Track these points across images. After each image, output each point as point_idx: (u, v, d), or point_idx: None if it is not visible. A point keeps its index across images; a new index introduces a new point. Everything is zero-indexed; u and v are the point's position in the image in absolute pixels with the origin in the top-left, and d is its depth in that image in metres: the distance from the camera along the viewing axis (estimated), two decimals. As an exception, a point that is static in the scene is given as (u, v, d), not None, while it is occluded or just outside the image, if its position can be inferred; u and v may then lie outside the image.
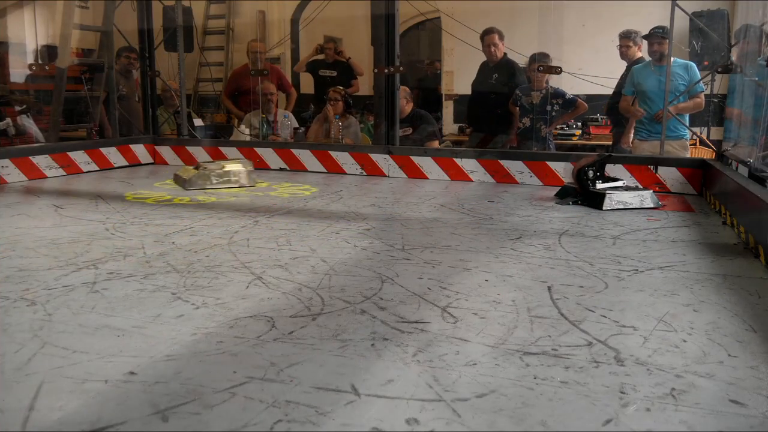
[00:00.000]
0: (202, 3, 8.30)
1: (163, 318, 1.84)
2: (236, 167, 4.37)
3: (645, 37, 5.02)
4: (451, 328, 1.76)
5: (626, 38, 5.27)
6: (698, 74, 4.72)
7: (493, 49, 5.34)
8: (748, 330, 1.76)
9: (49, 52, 6.30)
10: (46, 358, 1.56)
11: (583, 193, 3.73)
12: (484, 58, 5.58)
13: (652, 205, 3.63)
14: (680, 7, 4.16)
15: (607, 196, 3.59)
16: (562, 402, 1.34)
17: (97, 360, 1.55)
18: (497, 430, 1.24)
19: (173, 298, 2.02)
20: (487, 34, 5.39)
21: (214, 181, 4.25)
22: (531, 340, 1.67)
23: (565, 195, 3.87)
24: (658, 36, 4.77)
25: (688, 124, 4.79)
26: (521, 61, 5.54)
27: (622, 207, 3.58)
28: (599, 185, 3.74)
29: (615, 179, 3.91)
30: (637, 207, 3.60)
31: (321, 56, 6.85)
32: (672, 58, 4.73)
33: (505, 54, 5.42)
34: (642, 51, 5.24)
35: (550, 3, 5.80)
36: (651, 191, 3.75)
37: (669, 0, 4.12)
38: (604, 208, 3.54)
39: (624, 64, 5.39)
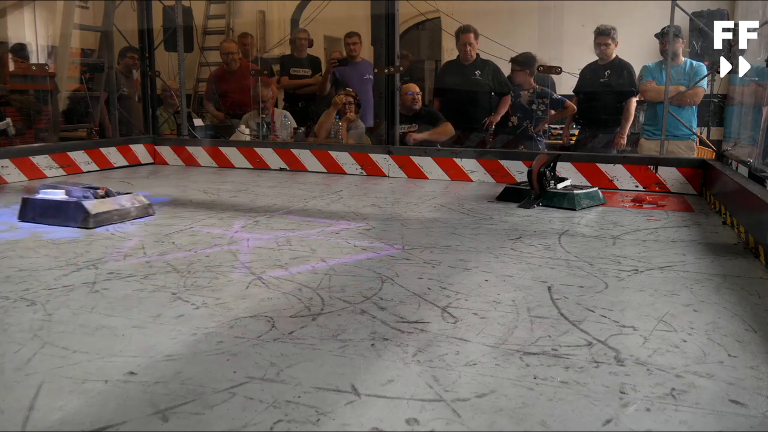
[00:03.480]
0: (202, 3, 8.29)
1: (163, 318, 1.84)
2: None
3: (658, 36, 4.99)
4: (451, 328, 1.76)
5: (605, 35, 4.98)
6: (703, 73, 4.71)
7: (468, 47, 5.30)
8: (748, 330, 1.76)
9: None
10: (46, 358, 1.56)
11: (543, 194, 3.68)
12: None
13: (601, 202, 3.71)
14: (680, 7, 4.16)
15: (577, 196, 3.60)
16: (562, 402, 1.34)
17: (97, 360, 1.55)
18: (497, 430, 1.24)
19: (173, 298, 2.02)
20: (463, 33, 5.34)
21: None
22: (531, 340, 1.67)
23: (509, 197, 3.80)
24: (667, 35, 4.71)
25: (693, 125, 4.77)
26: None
27: (587, 206, 3.61)
28: (560, 185, 3.75)
29: (563, 178, 3.91)
30: (593, 205, 3.65)
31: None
32: (684, 59, 4.72)
33: (478, 54, 5.39)
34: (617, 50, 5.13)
35: (550, 3, 5.80)
36: (597, 188, 3.81)
37: (669, 0, 4.12)
38: (577, 208, 3.54)
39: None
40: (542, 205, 3.65)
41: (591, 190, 3.76)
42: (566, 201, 3.61)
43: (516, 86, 5.43)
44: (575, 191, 3.65)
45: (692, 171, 4.16)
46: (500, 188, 4.37)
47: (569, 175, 4.43)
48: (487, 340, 1.67)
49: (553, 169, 3.80)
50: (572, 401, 1.34)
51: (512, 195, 3.82)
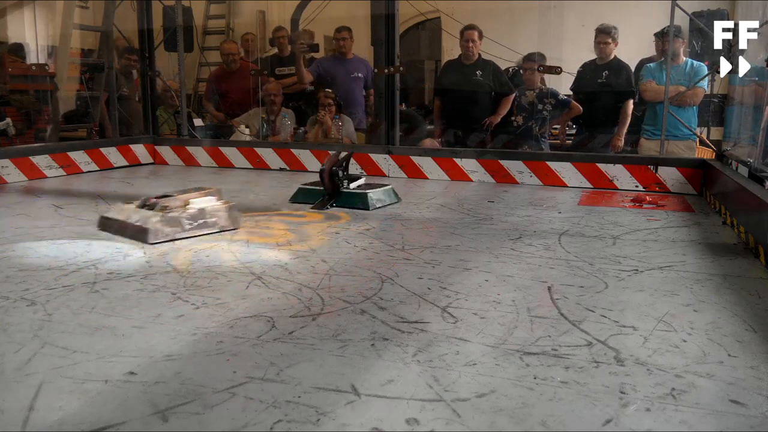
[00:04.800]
0: (202, 3, 8.28)
1: (163, 318, 1.84)
2: (210, 203, 3.01)
3: (659, 35, 4.98)
4: (451, 328, 1.76)
5: (605, 33, 4.95)
6: (703, 73, 4.70)
7: (470, 44, 5.29)
8: (748, 330, 1.76)
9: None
10: (46, 358, 1.56)
11: (337, 194, 3.63)
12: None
13: (395, 201, 3.75)
14: (680, 7, 4.16)
15: (370, 195, 3.58)
16: (562, 402, 1.34)
17: (97, 360, 1.55)
18: (497, 430, 1.24)
19: (173, 298, 2.02)
20: (467, 29, 5.33)
21: (187, 226, 2.86)
22: (531, 340, 1.67)
23: (303, 199, 3.73)
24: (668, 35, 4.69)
25: (693, 125, 4.77)
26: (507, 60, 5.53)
27: (381, 205, 3.60)
28: (352, 185, 3.71)
29: (357, 177, 3.87)
30: (389, 203, 3.66)
31: (274, 50, 6.46)
32: (685, 59, 4.71)
33: (479, 55, 5.38)
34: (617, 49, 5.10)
35: (550, 2, 5.80)
36: (391, 186, 3.81)
37: (669, 0, 4.12)
38: (371, 208, 3.52)
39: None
40: (336, 206, 3.59)
41: (385, 188, 3.75)
42: (359, 201, 3.57)
43: (519, 85, 5.42)
44: (368, 191, 3.63)
45: (692, 171, 4.16)
46: (500, 189, 4.38)
47: (569, 176, 4.44)
48: (487, 340, 1.67)
49: (346, 168, 3.75)
50: (572, 401, 1.34)
51: (306, 196, 3.75)
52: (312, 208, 3.58)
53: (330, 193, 3.63)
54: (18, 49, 6.01)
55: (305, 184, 3.83)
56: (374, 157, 5.00)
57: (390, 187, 3.80)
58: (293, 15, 7.41)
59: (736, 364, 1.53)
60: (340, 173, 3.65)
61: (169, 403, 1.33)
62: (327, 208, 3.56)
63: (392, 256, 2.54)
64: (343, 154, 3.78)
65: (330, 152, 3.87)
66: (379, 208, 3.56)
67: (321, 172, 3.62)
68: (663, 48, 4.83)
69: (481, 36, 5.31)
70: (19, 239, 2.83)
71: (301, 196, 3.77)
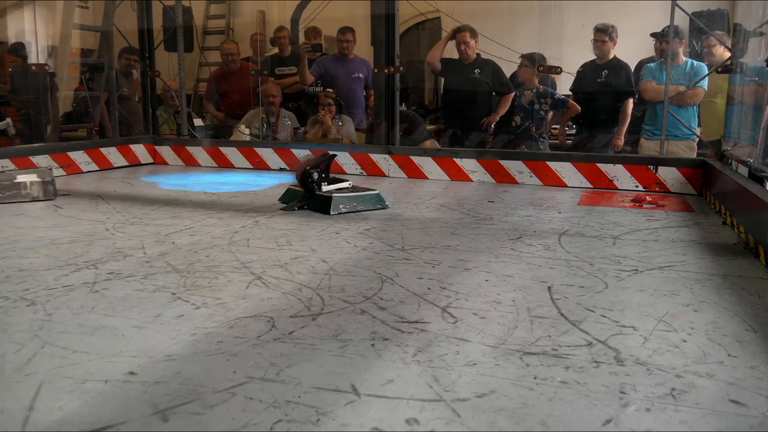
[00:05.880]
0: (202, 3, 8.29)
1: (163, 318, 1.84)
2: (27, 178, 3.88)
3: (656, 35, 4.98)
4: (451, 328, 1.76)
5: (602, 32, 4.97)
6: (703, 73, 4.70)
7: (463, 47, 5.28)
8: (748, 330, 1.76)
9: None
10: (46, 358, 1.56)
11: (309, 197, 3.54)
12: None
13: (377, 207, 3.56)
14: (680, 7, 4.16)
15: (334, 199, 3.43)
16: (562, 402, 1.34)
17: (97, 360, 1.55)
18: (497, 430, 1.24)
19: (173, 298, 2.02)
20: (458, 33, 5.33)
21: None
22: (531, 340, 1.67)
23: (290, 199, 3.66)
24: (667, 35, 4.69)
25: (693, 125, 4.76)
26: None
27: (348, 210, 3.45)
28: (325, 187, 3.56)
29: (341, 180, 3.73)
30: (363, 210, 3.49)
31: (275, 50, 6.46)
32: (685, 59, 4.71)
33: (478, 54, 5.38)
34: (615, 48, 5.10)
35: (550, 2, 5.80)
36: (377, 192, 3.64)
37: (669, 0, 4.12)
38: (331, 212, 3.39)
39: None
40: (306, 209, 3.50)
41: (365, 193, 3.59)
42: (323, 204, 3.45)
43: (520, 85, 5.42)
44: (336, 194, 3.48)
45: (692, 171, 4.16)
46: (500, 189, 4.38)
47: (569, 176, 4.45)
48: (487, 340, 1.67)
49: (325, 169, 3.61)
50: (572, 401, 1.34)
51: (292, 196, 3.68)
52: (281, 209, 3.53)
53: (304, 195, 3.56)
54: (18, 49, 6.01)
55: (294, 185, 3.78)
56: (374, 157, 5.01)
57: (374, 192, 3.63)
58: (293, 15, 7.42)
59: (736, 364, 1.53)
60: (315, 175, 3.54)
61: (169, 403, 1.33)
62: (295, 209, 3.49)
63: (392, 256, 2.54)
64: (330, 154, 3.74)
65: (330, 152, 3.84)
66: (345, 213, 3.41)
67: (295, 173, 3.56)
68: (661, 48, 4.83)
69: (474, 35, 5.30)
70: (19, 239, 2.83)
71: (288, 197, 3.74)
